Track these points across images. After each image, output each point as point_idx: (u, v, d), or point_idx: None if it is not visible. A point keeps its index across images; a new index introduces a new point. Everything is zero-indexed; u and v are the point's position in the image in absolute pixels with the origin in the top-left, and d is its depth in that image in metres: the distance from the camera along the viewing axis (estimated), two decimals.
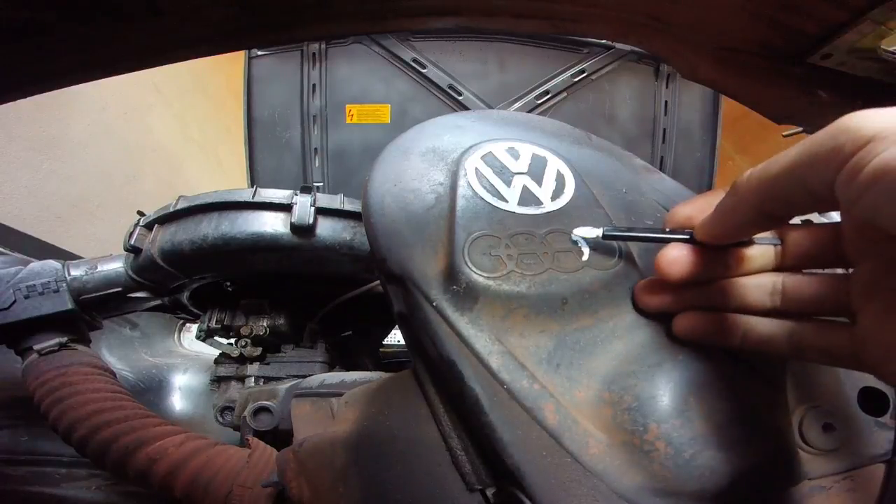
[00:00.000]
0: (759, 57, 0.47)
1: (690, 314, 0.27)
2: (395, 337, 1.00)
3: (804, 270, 0.26)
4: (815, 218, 0.40)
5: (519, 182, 0.32)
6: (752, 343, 0.26)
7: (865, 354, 0.22)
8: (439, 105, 1.41)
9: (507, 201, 0.31)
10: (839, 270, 0.26)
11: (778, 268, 0.26)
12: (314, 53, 1.38)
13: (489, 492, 0.28)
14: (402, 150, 0.35)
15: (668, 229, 0.28)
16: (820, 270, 0.26)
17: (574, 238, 0.30)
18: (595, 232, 0.29)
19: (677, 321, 0.27)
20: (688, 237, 0.27)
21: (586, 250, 0.30)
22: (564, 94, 1.42)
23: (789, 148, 0.21)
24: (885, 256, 0.21)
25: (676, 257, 0.26)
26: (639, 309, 0.29)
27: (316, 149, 1.42)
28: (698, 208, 0.27)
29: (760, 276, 0.26)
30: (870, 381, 0.32)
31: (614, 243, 0.30)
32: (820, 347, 0.24)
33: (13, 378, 0.60)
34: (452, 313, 0.28)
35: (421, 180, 0.33)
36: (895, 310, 0.20)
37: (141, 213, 0.61)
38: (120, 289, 0.60)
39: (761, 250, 0.26)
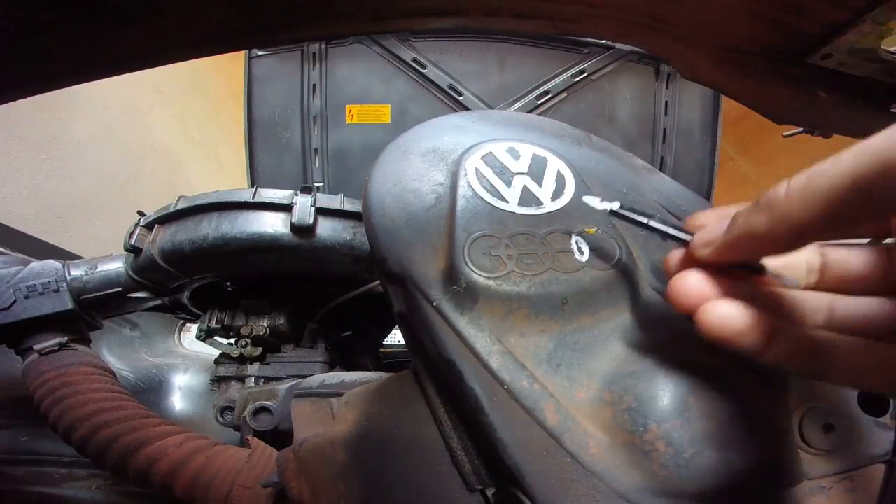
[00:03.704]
0: (759, 57, 0.47)
1: (727, 303, 0.22)
2: (395, 337, 1.00)
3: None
4: None
5: (519, 182, 0.32)
6: (776, 353, 0.22)
7: None
8: (439, 105, 1.41)
9: (507, 201, 0.31)
10: None
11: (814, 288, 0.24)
12: (314, 53, 1.38)
13: (489, 492, 0.28)
14: (403, 151, 0.35)
15: (676, 226, 0.26)
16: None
17: (585, 201, 0.28)
18: (605, 205, 0.27)
19: (708, 310, 0.23)
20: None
21: (586, 250, 0.30)
22: (565, 94, 1.42)
23: (838, 156, 0.18)
24: None
25: (692, 284, 0.23)
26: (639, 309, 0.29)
27: (316, 149, 1.42)
28: (718, 217, 0.24)
29: (813, 292, 0.23)
30: None
31: (615, 243, 0.30)
32: (853, 370, 0.21)
33: (13, 378, 0.60)
34: (452, 313, 0.28)
35: (421, 180, 0.33)
36: None
37: (141, 213, 0.61)
38: (120, 289, 0.60)
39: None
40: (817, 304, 0.23)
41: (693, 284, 0.23)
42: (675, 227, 0.26)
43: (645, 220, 0.26)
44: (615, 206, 0.27)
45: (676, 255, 0.25)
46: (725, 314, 0.22)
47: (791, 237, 0.20)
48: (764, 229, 0.20)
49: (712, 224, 0.24)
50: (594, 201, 0.28)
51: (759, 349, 0.22)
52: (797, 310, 0.23)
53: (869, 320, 0.22)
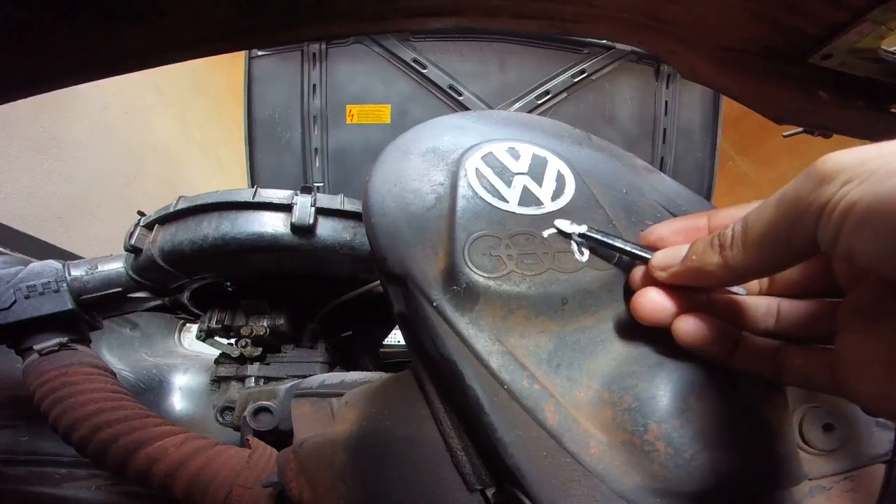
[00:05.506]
0: (759, 57, 0.48)
1: (693, 318, 0.26)
2: (395, 337, 1.00)
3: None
4: None
5: (519, 182, 0.32)
6: (741, 358, 0.26)
7: (840, 375, 0.22)
8: (439, 105, 1.41)
9: (507, 201, 0.31)
10: None
11: (766, 293, 0.27)
12: (314, 53, 1.38)
13: (489, 492, 0.28)
14: (403, 151, 0.35)
15: (639, 246, 0.28)
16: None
17: (556, 224, 0.30)
18: (574, 228, 0.30)
19: (678, 324, 0.26)
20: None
21: (586, 250, 0.30)
22: (564, 94, 1.42)
23: (763, 207, 0.21)
24: (871, 285, 0.21)
25: (650, 301, 0.27)
26: None
27: (316, 149, 1.42)
28: (673, 230, 0.28)
29: (757, 296, 0.27)
30: None
31: None
32: (800, 370, 0.24)
33: (13, 378, 0.60)
34: (453, 313, 0.28)
35: (421, 180, 0.33)
36: (873, 330, 0.20)
37: (141, 214, 0.61)
38: (120, 289, 0.60)
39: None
40: (766, 308, 0.26)
41: (652, 301, 0.26)
42: (638, 246, 0.28)
43: (610, 241, 0.29)
44: (583, 229, 0.29)
45: (639, 272, 0.28)
46: (695, 326, 0.25)
47: (735, 279, 0.24)
48: (713, 269, 0.24)
49: (669, 239, 0.27)
50: (564, 224, 0.30)
51: (725, 357, 0.26)
52: (750, 314, 0.26)
53: (808, 321, 0.25)
